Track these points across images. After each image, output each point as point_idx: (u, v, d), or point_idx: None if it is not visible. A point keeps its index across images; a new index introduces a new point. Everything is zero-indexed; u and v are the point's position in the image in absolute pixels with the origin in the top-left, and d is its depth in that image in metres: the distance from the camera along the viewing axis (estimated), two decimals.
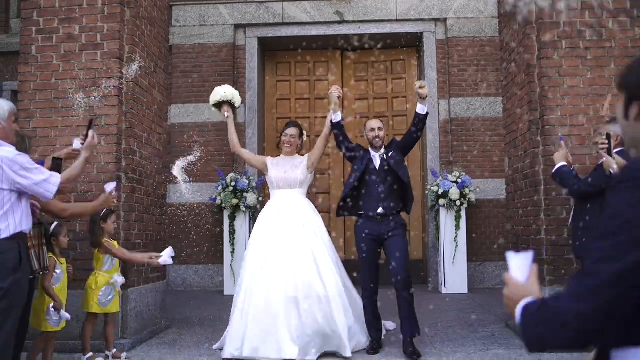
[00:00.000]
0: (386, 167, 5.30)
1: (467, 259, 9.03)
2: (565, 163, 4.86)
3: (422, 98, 5.21)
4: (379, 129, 5.44)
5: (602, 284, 1.28)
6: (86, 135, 3.96)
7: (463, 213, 8.93)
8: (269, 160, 5.63)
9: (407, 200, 5.41)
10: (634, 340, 1.34)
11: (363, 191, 5.35)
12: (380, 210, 5.26)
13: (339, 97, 5.38)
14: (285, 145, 5.57)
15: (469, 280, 9.03)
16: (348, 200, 5.39)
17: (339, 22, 9.99)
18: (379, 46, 10.04)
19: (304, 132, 5.74)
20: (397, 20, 9.97)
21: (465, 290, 8.88)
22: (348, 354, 4.98)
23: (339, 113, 5.42)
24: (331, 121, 5.44)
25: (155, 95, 6.53)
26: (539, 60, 5.59)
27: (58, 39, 5.78)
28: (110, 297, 5.10)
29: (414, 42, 10.38)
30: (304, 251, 5.14)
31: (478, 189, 9.11)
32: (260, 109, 10.21)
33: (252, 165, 5.99)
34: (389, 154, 5.35)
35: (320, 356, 5.02)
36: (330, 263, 5.21)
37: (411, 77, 10.53)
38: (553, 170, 4.91)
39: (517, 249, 4.49)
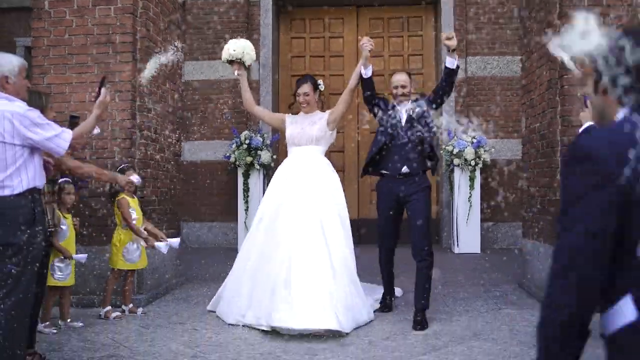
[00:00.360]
0: (412, 124, 4.98)
1: (481, 219, 9.03)
2: (592, 123, 4.74)
3: (451, 50, 4.89)
4: (403, 86, 5.09)
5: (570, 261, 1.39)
6: (98, 93, 3.94)
7: (477, 173, 8.89)
8: (288, 117, 5.37)
9: (433, 159, 5.10)
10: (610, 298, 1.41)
11: (387, 148, 5.06)
12: (404, 169, 4.98)
13: (370, 50, 5.06)
14: (302, 105, 5.28)
15: (482, 240, 9.04)
16: (377, 157, 5.11)
17: None
18: (394, 3, 9.86)
19: (320, 84, 5.40)
20: None
21: (478, 250, 8.90)
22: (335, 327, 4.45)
23: (370, 67, 5.11)
24: (361, 75, 5.12)
25: (169, 52, 6.48)
26: (559, 18, 5.46)
27: None
28: (137, 254, 5.19)
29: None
30: (312, 217, 4.89)
31: (493, 149, 9.05)
32: (274, 66, 10.11)
33: (269, 124, 5.66)
34: (416, 110, 5.02)
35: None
36: (339, 232, 4.95)
37: (428, 35, 10.37)
38: (580, 130, 4.71)
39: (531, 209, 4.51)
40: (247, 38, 9.68)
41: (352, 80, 5.23)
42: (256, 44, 9.78)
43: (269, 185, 5.34)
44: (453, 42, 4.85)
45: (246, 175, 9.11)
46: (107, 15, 5.71)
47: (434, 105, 5.05)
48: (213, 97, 9.82)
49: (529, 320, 5.00)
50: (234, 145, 9.13)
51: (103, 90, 3.89)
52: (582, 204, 1.36)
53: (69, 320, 4.84)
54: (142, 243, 5.22)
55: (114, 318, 5.08)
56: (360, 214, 9.88)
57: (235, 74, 5.35)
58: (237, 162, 9.05)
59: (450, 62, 4.94)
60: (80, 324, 4.86)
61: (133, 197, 5.26)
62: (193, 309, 5.47)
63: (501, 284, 6.52)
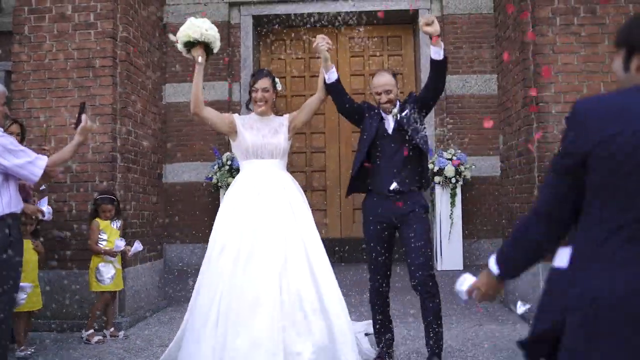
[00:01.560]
0: (402, 131, 4.13)
1: (463, 236, 9.09)
2: None
3: (433, 37, 3.97)
4: (387, 91, 4.18)
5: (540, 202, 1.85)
6: (78, 120, 3.84)
7: (458, 190, 8.96)
8: (238, 119, 4.22)
9: (424, 173, 4.29)
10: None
11: (373, 162, 4.25)
12: (394, 186, 4.15)
13: (329, 50, 4.19)
14: (258, 103, 4.17)
15: (464, 257, 9.10)
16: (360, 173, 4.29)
17: (334, 0, 9.92)
18: (374, 23, 9.98)
19: (278, 83, 4.31)
20: None
21: (461, 267, 8.94)
22: None
23: (334, 69, 4.25)
24: (325, 82, 4.27)
25: (149, 75, 6.52)
26: (533, 38, 5.58)
27: (51, 19, 5.75)
28: (109, 276, 5.19)
29: (409, 19, 10.32)
30: (297, 250, 3.86)
31: (473, 166, 9.14)
32: None
33: (215, 127, 4.30)
34: (404, 113, 4.18)
35: None
36: (327, 264, 3.95)
37: (407, 54, 10.51)
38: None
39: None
40: (228, 59, 9.83)
41: (318, 91, 4.34)
42: (237, 65, 9.88)
43: (226, 206, 4.13)
44: (434, 28, 3.95)
45: None
46: (87, 39, 5.74)
47: (423, 108, 4.24)
48: (194, 118, 9.82)
49: (512, 336, 5.05)
50: (215, 167, 9.15)
51: (84, 116, 3.82)
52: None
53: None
54: (117, 265, 5.23)
55: (96, 342, 5.05)
56: (343, 233, 9.92)
57: (199, 60, 4.09)
58: (219, 183, 9.06)
59: (436, 52, 4.03)
60: (31, 350, 4.72)
61: (109, 220, 5.26)
62: (175, 331, 5.42)
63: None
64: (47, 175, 3.69)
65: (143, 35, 6.32)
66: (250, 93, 4.26)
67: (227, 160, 9.10)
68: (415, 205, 4.15)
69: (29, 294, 4.48)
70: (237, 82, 10.04)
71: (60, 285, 5.53)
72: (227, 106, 9.86)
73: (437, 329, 4.09)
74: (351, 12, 9.92)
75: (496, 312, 6.02)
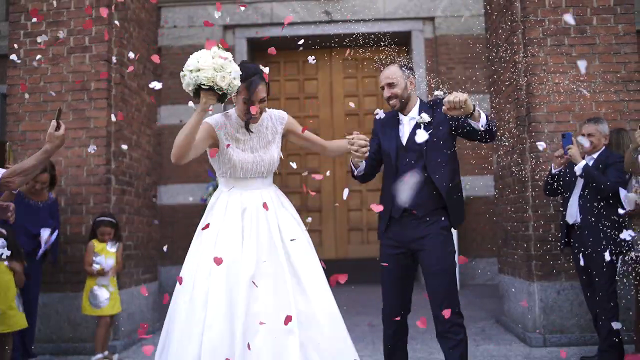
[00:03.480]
0: (419, 139, 3.27)
1: (458, 255, 9.08)
2: (584, 161, 4.61)
3: (468, 115, 3.31)
4: (389, 85, 3.57)
5: None
6: (57, 126, 3.40)
7: None
8: (217, 127, 3.29)
9: (453, 196, 3.54)
10: None
11: (386, 178, 3.65)
12: (408, 206, 3.47)
13: (365, 147, 3.28)
14: (253, 115, 3.22)
15: (460, 277, 9.08)
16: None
17: (327, 22, 10.02)
18: (367, 45, 10.06)
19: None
20: (385, 20, 10.02)
21: (457, 287, 8.92)
22: None
23: (363, 164, 3.59)
24: (353, 173, 3.66)
25: (144, 97, 6.55)
26: (524, 58, 5.64)
27: (46, 42, 5.78)
28: (102, 299, 5.14)
29: (402, 41, 10.42)
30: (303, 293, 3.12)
31: (468, 185, 9.16)
32: None
33: (198, 152, 3.24)
34: (428, 122, 3.49)
35: None
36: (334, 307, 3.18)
37: None
38: (580, 170, 4.51)
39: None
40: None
41: (328, 146, 3.66)
42: None
43: (208, 242, 3.17)
44: (465, 110, 3.22)
45: None
46: (82, 62, 5.77)
47: (456, 132, 3.53)
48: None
49: (507, 355, 5.03)
50: (210, 188, 9.15)
51: (53, 122, 3.36)
52: None
53: None
54: (111, 288, 5.17)
55: None
56: (338, 253, 9.90)
57: (209, 108, 3.15)
58: None
59: (475, 125, 3.35)
60: None
61: (105, 242, 5.23)
62: None
63: (479, 320, 6.55)
64: (4, 186, 3.41)
65: (138, 58, 6.35)
66: (245, 103, 3.24)
67: None
68: (434, 229, 3.48)
69: (3, 315, 4.36)
70: (231, 104, 10.06)
71: (54, 308, 5.49)
72: None
73: None
74: (345, 34, 10.02)
75: (492, 331, 6.00)
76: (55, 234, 5.14)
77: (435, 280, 3.50)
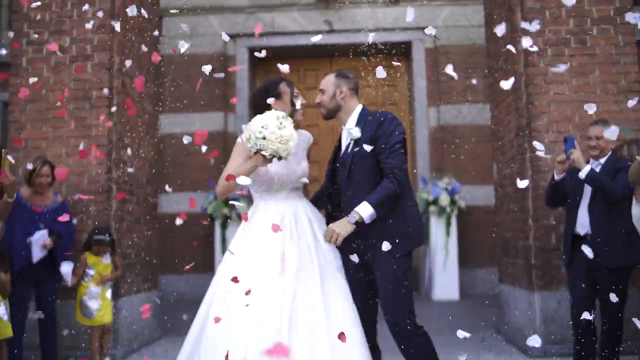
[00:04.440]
0: (355, 147, 3.36)
1: (459, 265, 9.08)
2: (590, 166, 4.37)
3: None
4: (320, 91, 3.57)
5: None
6: None
7: (453, 220, 8.99)
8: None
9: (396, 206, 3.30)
10: None
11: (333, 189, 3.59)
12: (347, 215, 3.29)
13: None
14: (298, 112, 3.56)
15: (460, 287, 9.08)
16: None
17: (328, 32, 10.07)
18: (367, 55, 10.10)
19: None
20: (385, 30, 10.06)
21: (457, 297, 8.92)
22: None
23: None
24: None
25: (145, 106, 6.56)
26: (525, 68, 5.66)
27: (48, 51, 5.80)
28: (93, 309, 5.09)
29: (403, 51, 10.46)
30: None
31: (468, 196, 9.17)
32: (251, 117, 10.25)
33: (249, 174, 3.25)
34: (357, 138, 3.35)
35: None
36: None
37: (401, 85, 10.62)
38: (584, 176, 4.28)
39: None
40: (223, 90, 9.91)
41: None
42: (232, 96, 9.96)
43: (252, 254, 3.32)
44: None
45: (224, 227, 9.11)
46: (83, 71, 5.79)
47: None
48: (190, 149, 9.86)
49: None
50: (211, 197, 9.16)
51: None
52: None
53: None
54: (100, 301, 5.10)
55: None
56: None
57: (264, 167, 3.32)
58: (214, 214, 9.06)
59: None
60: None
61: (98, 256, 5.19)
62: None
63: (479, 330, 6.53)
64: None
65: (139, 67, 6.38)
66: (291, 99, 3.57)
67: None
68: (383, 238, 3.25)
69: None
70: (232, 113, 10.12)
71: None
72: (222, 137, 9.93)
73: None
74: (345, 43, 10.08)
75: (492, 341, 5.98)
76: (45, 233, 5.02)
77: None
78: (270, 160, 3.21)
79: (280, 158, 3.19)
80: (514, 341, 5.81)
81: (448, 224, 8.97)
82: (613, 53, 5.57)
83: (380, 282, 3.32)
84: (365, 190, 3.28)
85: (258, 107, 3.51)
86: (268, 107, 3.44)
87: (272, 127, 3.15)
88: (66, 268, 4.86)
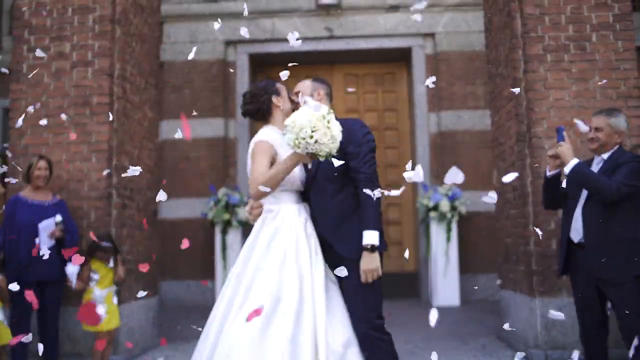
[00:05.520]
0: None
1: (459, 271, 9.07)
2: (578, 160, 3.87)
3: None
4: (297, 93, 3.63)
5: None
6: None
7: (454, 225, 8.98)
8: (274, 143, 3.34)
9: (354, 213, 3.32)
10: None
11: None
12: (320, 229, 3.35)
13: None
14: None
15: (461, 292, 9.06)
16: None
17: (329, 38, 10.09)
18: (368, 61, 10.13)
19: None
20: (385, 36, 10.09)
21: (458, 303, 8.91)
22: None
23: None
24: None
25: (146, 112, 6.57)
26: (524, 74, 5.66)
27: (49, 57, 5.82)
28: (102, 313, 5.09)
29: (403, 57, 10.48)
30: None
31: (469, 201, 9.17)
32: (252, 124, 10.26)
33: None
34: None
35: None
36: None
37: (401, 91, 10.64)
38: (569, 171, 3.87)
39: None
40: (223, 97, 9.93)
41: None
42: (233, 102, 9.98)
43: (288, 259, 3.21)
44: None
45: (224, 233, 9.11)
46: (84, 77, 5.80)
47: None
48: (190, 155, 9.89)
49: None
50: (211, 203, 9.15)
51: None
52: None
53: None
54: (105, 306, 5.09)
55: None
56: None
57: (309, 163, 3.32)
58: (215, 220, 9.06)
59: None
60: None
61: (102, 261, 5.18)
62: None
63: (480, 336, 6.52)
64: None
65: (140, 73, 6.39)
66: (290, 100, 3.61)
67: (223, 196, 9.12)
68: (343, 250, 3.30)
69: None
70: (233, 119, 10.13)
71: None
72: (222, 143, 9.94)
73: None
74: (345, 50, 10.10)
75: (493, 347, 5.97)
76: (52, 220, 5.08)
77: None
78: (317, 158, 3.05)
79: (333, 157, 3.03)
80: (515, 346, 5.79)
81: (449, 230, 8.96)
82: (613, 59, 5.57)
83: (347, 294, 3.30)
84: (327, 193, 3.33)
85: (262, 108, 3.55)
86: (272, 106, 3.53)
87: (322, 129, 2.94)
88: (72, 268, 4.87)
